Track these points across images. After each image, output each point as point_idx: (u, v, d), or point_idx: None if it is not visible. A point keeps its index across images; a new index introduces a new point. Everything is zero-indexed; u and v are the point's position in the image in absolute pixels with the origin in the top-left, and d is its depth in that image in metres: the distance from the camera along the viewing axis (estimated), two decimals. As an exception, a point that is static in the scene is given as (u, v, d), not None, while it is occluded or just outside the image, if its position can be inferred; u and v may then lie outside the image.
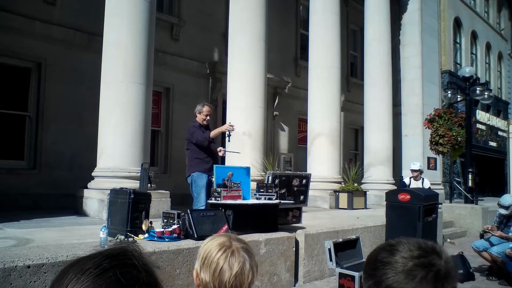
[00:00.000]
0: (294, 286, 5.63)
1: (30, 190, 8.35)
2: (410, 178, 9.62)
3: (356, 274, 4.78)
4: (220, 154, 6.55)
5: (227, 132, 6.59)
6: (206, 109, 6.47)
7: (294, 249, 5.65)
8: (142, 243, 4.29)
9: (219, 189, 5.24)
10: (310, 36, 11.77)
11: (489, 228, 6.77)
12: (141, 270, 0.79)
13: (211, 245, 1.41)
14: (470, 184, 12.42)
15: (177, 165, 10.70)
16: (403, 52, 16.85)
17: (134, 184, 6.07)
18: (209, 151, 6.32)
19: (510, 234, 6.52)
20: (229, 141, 6.62)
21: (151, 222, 4.79)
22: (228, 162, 7.93)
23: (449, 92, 13.57)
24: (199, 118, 6.46)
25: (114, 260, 0.78)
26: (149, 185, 5.69)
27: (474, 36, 23.70)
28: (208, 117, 6.52)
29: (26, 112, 9.03)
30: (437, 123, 13.08)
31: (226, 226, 4.77)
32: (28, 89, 9.07)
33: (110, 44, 7.18)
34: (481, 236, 7.25)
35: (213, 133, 6.35)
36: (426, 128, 13.81)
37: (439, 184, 16.37)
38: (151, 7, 7.42)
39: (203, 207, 5.86)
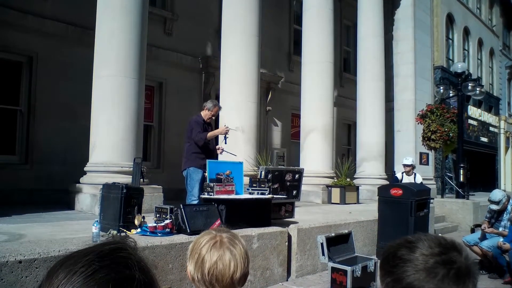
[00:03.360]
0: (287, 280, 5.65)
1: (22, 185, 8.31)
2: (403, 173, 9.67)
3: (348, 269, 4.81)
4: (218, 152, 6.55)
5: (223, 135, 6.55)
6: (216, 110, 6.51)
7: (286, 243, 5.67)
8: (134, 238, 4.28)
9: (212, 184, 5.25)
10: (303, 31, 11.76)
11: (483, 227, 6.82)
12: (135, 268, 0.76)
13: (198, 238, 1.42)
14: (461, 179, 12.52)
15: (170, 160, 10.69)
16: (396, 48, 16.89)
17: (127, 179, 6.06)
18: (207, 148, 6.33)
19: (500, 229, 6.59)
20: (225, 143, 6.58)
21: (143, 217, 4.79)
22: (221, 157, 7.93)
23: (441, 87, 13.65)
24: (205, 114, 6.44)
25: (107, 259, 0.75)
26: (141, 180, 5.67)
27: (466, 32, 23.81)
28: (213, 117, 6.59)
29: (17, 107, 8.96)
30: (429, 118, 13.15)
31: (219, 221, 4.77)
32: (20, 83, 9.00)
33: (103, 38, 7.13)
34: (472, 231, 7.32)
35: (209, 135, 6.36)
36: (418, 123, 13.88)
37: (431, 179, 16.48)
38: (143, 1, 7.38)
39: (196, 201, 5.87)
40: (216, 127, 7.55)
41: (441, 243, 1.02)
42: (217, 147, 6.58)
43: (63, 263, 0.76)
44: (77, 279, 0.72)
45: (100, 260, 0.75)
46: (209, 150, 6.37)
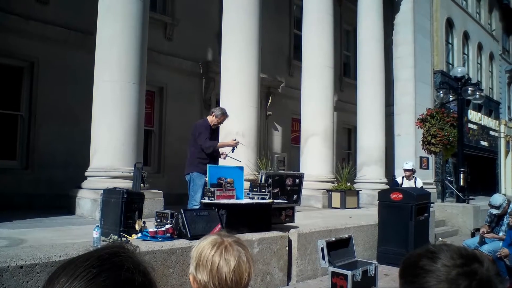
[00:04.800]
0: (287, 285, 5.65)
1: (23, 190, 8.32)
2: (403, 177, 9.66)
3: (349, 273, 4.81)
4: (222, 157, 6.54)
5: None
6: (223, 118, 6.48)
7: (287, 248, 5.67)
8: (135, 242, 4.28)
9: (212, 189, 5.25)
10: (303, 36, 11.80)
11: (481, 232, 6.82)
12: (135, 271, 0.78)
13: (203, 245, 1.39)
14: (462, 183, 12.51)
15: (170, 164, 10.71)
16: (396, 52, 16.93)
17: (127, 184, 6.07)
18: (212, 154, 6.32)
19: (501, 233, 6.59)
20: (232, 152, 6.57)
21: (144, 222, 4.80)
22: (223, 161, 7.94)
23: (441, 92, 13.67)
24: (212, 120, 6.40)
25: (107, 263, 0.77)
26: (142, 184, 5.68)
27: (466, 36, 23.86)
28: (220, 125, 6.60)
29: (18, 112, 8.98)
30: (429, 122, 13.18)
31: (219, 226, 4.78)
32: (21, 88, 9.02)
33: (103, 43, 7.15)
34: (473, 235, 7.32)
35: (219, 145, 6.38)
36: (418, 127, 13.90)
37: (432, 184, 16.48)
38: (144, 6, 7.41)
39: (197, 206, 5.86)
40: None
41: (462, 254, 1.03)
42: (221, 152, 6.56)
43: (64, 268, 0.78)
44: (78, 284, 0.74)
45: (100, 265, 0.77)
46: (213, 156, 6.36)
